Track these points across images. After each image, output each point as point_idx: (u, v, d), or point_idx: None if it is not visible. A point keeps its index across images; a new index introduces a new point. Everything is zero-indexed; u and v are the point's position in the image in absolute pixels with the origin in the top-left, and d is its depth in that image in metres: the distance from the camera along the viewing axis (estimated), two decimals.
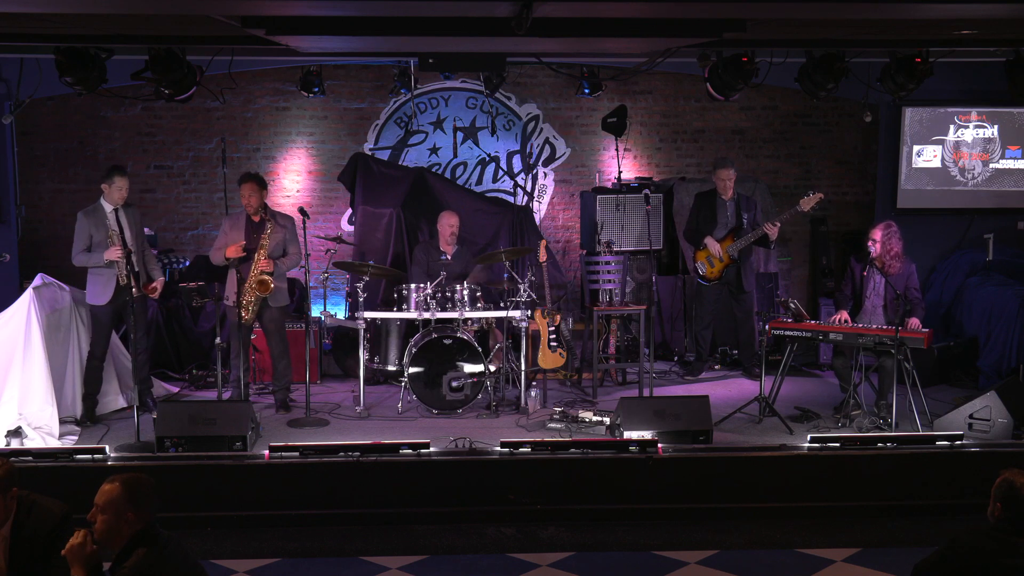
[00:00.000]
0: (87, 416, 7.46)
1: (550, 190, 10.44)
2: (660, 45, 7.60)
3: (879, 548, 6.07)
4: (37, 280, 7.40)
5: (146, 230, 9.61)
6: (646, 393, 7.94)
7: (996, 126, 9.71)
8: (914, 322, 7.25)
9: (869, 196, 10.36)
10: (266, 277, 7.42)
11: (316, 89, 9.26)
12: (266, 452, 6.58)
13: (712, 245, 8.57)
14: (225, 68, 8.03)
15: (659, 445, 6.67)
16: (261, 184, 7.61)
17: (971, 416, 7.05)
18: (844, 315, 7.48)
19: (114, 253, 7.25)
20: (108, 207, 7.38)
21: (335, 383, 8.76)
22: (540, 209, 10.37)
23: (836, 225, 10.44)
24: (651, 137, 10.43)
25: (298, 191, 10.14)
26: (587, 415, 7.30)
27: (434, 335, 7.65)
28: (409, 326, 8.09)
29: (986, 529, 3.93)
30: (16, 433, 6.79)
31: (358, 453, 6.53)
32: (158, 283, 7.57)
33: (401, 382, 7.77)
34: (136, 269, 7.35)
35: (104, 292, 7.31)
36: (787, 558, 5.98)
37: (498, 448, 6.65)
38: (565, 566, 5.84)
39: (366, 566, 5.85)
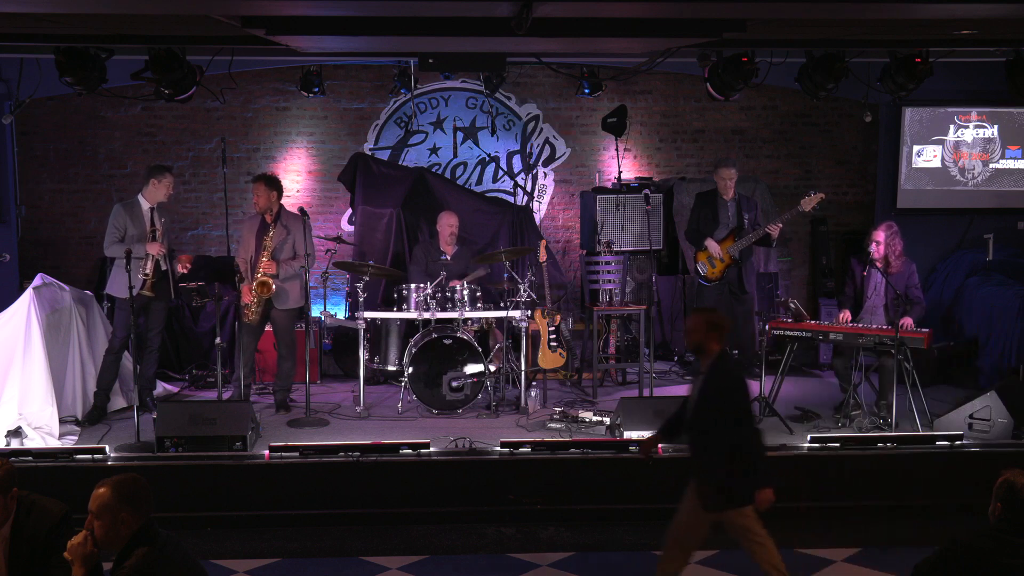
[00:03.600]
0: (97, 412, 7.45)
1: (550, 190, 10.43)
2: (660, 45, 7.60)
3: (879, 548, 6.08)
4: (37, 280, 7.41)
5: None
6: (646, 393, 7.94)
7: (996, 126, 9.71)
8: (906, 321, 7.23)
9: (869, 196, 10.36)
10: (267, 279, 7.42)
11: (316, 89, 9.26)
12: (266, 452, 6.58)
13: (712, 246, 8.56)
14: (225, 68, 8.02)
15: (659, 445, 6.67)
16: (271, 185, 7.60)
17: (971, 416, 7.05)
18: (847, 314, 7.47)
19: (155, 248, 7.28)
20: (146, 204, 7.42)
21: (335, 383, 8.77)
22: (540, 209, 10.36)
23: (836, 225, 10.44)
24: (651, 137, 10.43)
25: (298, 191, 10.14)
26: (587, 415, 7.30)
27: (434, 335, 7.65)
28: (409, 326, 8.09)
29: (986, 529, 3.93)
30: (16, 433, 6.80)
31: (358, 453, 6.54)
32: (185, 258, 7.64)
33: (401, 382, 7.77)
34: (164, 268, 7.42)
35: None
36: (787, 558, 5.94)
37: (498, 448, 6.66)
38: (565, 566, 5.84)
39: (366, 566, 5.85)
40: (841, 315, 7.51)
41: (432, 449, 6.67)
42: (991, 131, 9.72)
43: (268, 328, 7.88)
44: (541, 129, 10.35)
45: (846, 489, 6.64)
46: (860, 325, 7.40)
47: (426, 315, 7.74)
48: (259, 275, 7.43)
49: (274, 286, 7.46)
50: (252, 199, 7.68)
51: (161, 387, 8.24)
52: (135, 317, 7.19)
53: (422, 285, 7.82)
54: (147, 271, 7.29)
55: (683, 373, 9.05)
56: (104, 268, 8.99)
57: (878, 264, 7.37)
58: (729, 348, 9.08)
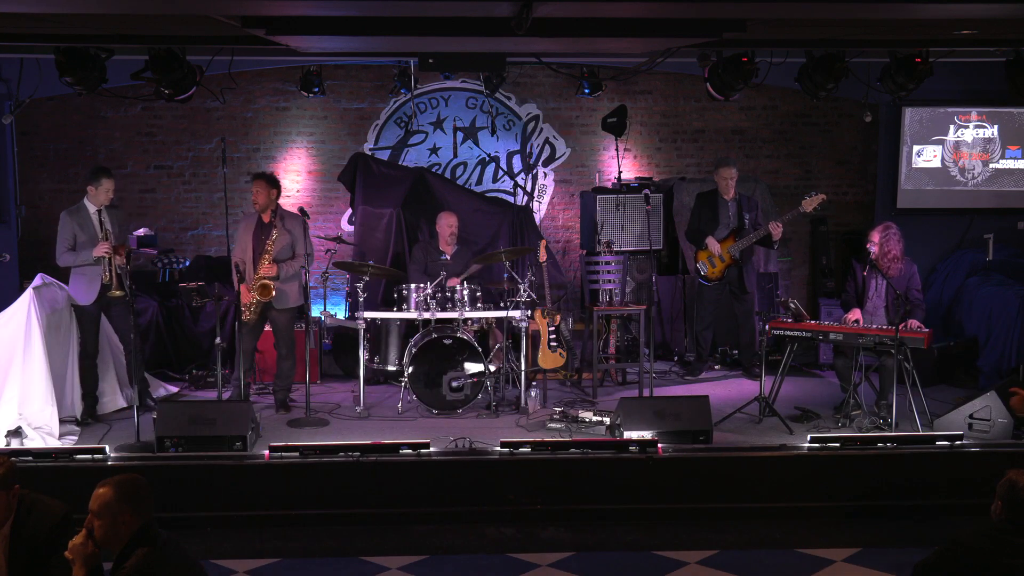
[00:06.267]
0: (88, 414, 7.46)
1: (550, 190, 10.44)
2: (660, 45, 7.61)
3: (879, 548, 6.07)
4: (37, 280, 7.40)
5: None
6: (646, 393, 7.94)
7: (996, 126, 9.72)
8: (914, 323, 7.24)
9: (869, 196, 10.37)
10: (268, 282, 7.41)
11: (316, 89, 9.27)
12: (266, 452, 6.58)
13: (713, 245, 8.57)
14: (225, 68, 8.02)
15: (659, 445, 6.67)
16: (271, 183, 7.61)
17: (971, 416, 7.05)
18: (857, 313, 7.43)
19: (101, 249, 7.25)
20: (92, 208, 7.38)
21: (335, 383, 8.76)
22: (540, 209, 10.37)
23: (836, 225, 10.44)
24: (651, 137, 10.43)
25: (298, 191, 10.14)
26: (587, 415, 7.30)
27: (434, 335, 7.65)
28: (409, 326, 8.09)
29: (986, 529, 3.93)
30: (16, 433, 6.80)
31: (358, 453, 6.54)
32: (121, 249, 7.36)
33: (401, 382, 7.77)
34: (120, 270, 7.35)
35: (89, 291, 7.32)
36: (787, 558, 5.98)
37: (498, 448, 6.65)
38: (565, 566, 5.84)
39: (366, 566, 5.85)
40: (851, 315, 7.43)
41: (432, 449, 6.66)
42: (991, 131, 9.72)
43: (268, 328, 7.89)
44: (541, 129, 10.35)
45: (846, 489, 6.64)
46: (860, 325, 7.39)
47: (426, 315, 7.74)
48: (258, 278, 7.42)
49: (274, 291, 7.45)
50: (252, 197, 7.64)
51: (161, 387, 8.24)
52: (99, 322, 7.28)
53: (422, 285, 7.82)
54: (107, 274, 7.26)
55: (683, 373, 9.05)
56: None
57: (879, 265, 7.36)
58: (728, 348, 9.23)
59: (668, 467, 6.60)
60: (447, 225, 8.37)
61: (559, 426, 7.24)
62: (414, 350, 7.66)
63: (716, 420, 7.13)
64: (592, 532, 6.32)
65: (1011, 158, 9.77)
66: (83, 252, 7.27)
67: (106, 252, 7.25)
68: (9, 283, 8.91)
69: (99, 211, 7.36)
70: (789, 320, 7.61)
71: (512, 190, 10.07)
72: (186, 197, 10.12)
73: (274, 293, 7.45)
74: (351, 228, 9.63)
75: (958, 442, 6.83)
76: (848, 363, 7.44)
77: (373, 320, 7.99)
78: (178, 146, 10.08)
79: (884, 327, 7.29)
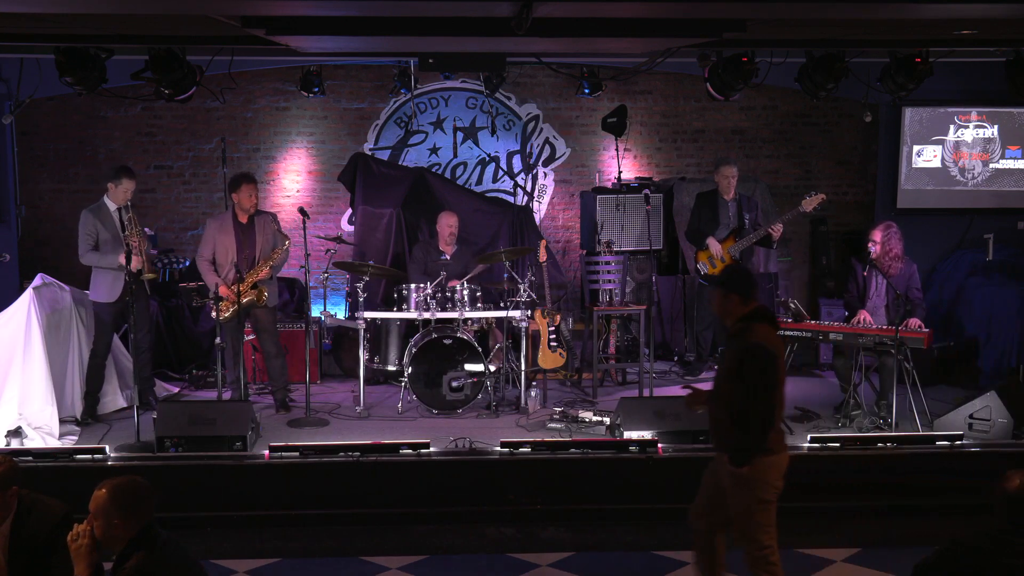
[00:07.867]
0: (88, 414, 7.46)
1: (550, 190, 10.43)
2: (660, 45, 7.61)
3: (879, 548, 6.08)
4: (37, 280, 7.41)
5: (146, 230, 9.65)
6: (646, 393, 7.94)
7: (996, 126, 9.71)
8: (914, 322, 7.24)
9: (869, 196, 10.36)
10: (263, 289, 7.44)
11: (316, 89, 9.26)
12: (266, 452, 6.58)
13: (714, 246, 8.57)
14: (225, 68, 8.02)
15: (659, 445, 6.68)
16: (256, 184, 7.65)
17: (971, 416, 7.06)
18: (865, 314, 7.41)
19: (137, 240, 7.29)
20: (113, 206, 7.41)
21: (335, 383, 8.77)
22: (540, 209, 10.37)
23: (836, 225, 10.44)
24: (651, 137, 10.43)
25: (298, 191, 10.14)
26: (587, 415, 7.30)
27: (434, 335, 7.65)
28: (409, 326, 8.09)
29: (986, 529, 3.93)
30: (16, 433, 6.80)
31: (358, 453, 6.54)
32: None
33: (401, 382, 7.77)
34: (147, 254, 7.42)
35: (113, 288, 7.32)
36: (787, 558, 5.96)
37: (498, 448, 6.66)
38: (565, 566, 5.84)
39: (366, 566, 5.85)
40: (859, 316, 7.39)
41: (432, 449, 6.67)
42: (991, 131, 9.72)
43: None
44: (541, 129, 10.35)
45: (846, 489, 6.64)
46: (860, 325, 7.39)
47: (426, 315, 7.74)
48: (250, 282, 7.40)
49: (266, 293, 7.49)
50: (244, 200, 7.47)
51: (161, 387, 8.24)
52: (117, 322, 7.27)
53: (422, 285, 7.82)
54: (140, 258, 7.27)
55: (683, 373, 9.05)
56: None
57: (879, 265, 7.36)
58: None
59: (668, 467, 6.60)
60: (447, 225, 8.37)
61: (559, 426, 7.24)
62: (414, 350, 7.66)
63: None
64: (592, 532, 6.32)
65: (1011, 158, 9.77)
66: (108, 256, 7.27)
67: (135, 244, 7.27)
68: (9, 283, 8.91)
69: (119, 209, 7.39)
70: (789, 320, 7.61)
71: (512, 190, 10.07)
72: (186, 197, 10.12)
73: (266, 297, 7.47)
74: (351, 228, 9.63)
75: (958, 442, 6.84)
76: (848, 363, 7.44)
77: (373, 320, 7.99)
78: (178, 146, 10.07)
79: (884, 327, 7.29)
